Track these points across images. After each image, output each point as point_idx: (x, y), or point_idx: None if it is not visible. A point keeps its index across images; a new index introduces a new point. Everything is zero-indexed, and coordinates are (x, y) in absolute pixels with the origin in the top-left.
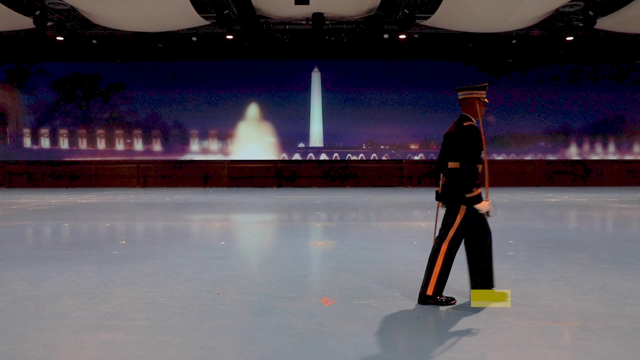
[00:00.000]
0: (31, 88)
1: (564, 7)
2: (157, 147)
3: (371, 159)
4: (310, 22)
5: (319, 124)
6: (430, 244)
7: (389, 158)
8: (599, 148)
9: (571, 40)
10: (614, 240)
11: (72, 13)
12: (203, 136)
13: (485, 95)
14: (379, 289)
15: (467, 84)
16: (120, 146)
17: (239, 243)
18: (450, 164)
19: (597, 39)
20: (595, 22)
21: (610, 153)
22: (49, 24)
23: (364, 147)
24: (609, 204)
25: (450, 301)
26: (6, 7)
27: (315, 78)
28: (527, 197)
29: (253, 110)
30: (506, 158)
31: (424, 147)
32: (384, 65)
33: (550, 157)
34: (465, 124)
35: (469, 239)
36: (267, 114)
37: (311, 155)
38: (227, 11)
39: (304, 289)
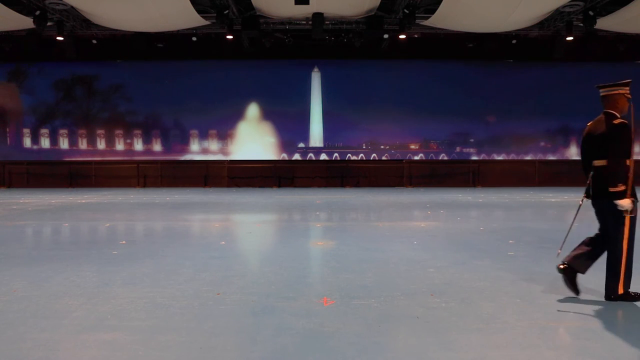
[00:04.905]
0: (31, 88)
1: (564, 7)
2: (157, 147)
3: (371, 159)
4: (310, 22)
5: (319, 124)
6: (429, 244)
7: (389, 158)
8: None
9: (571, 40)
10: None
11: (72, 13)
12: (203, 136)
13: (629, 91)
14: (379, 289)
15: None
16: (120, 146)
17: (239, 243)
18: (599, 162)
19: (597, 39)
20: (595, 22)
21: None
22: (49, 24)
23: (364, 147)
24: None
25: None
26: (6, 7)
27: (315, 78)
28: (527, 197)
29: (253, 110)
30: (506, 158)
31: (424, 147)
32: (384, 65)
33: (550, 157)
34: (615, 121)
35: (603, 231)
36: (267, 114)
37: (311, 155)
38: (227, 11)
39: (304, 289)
